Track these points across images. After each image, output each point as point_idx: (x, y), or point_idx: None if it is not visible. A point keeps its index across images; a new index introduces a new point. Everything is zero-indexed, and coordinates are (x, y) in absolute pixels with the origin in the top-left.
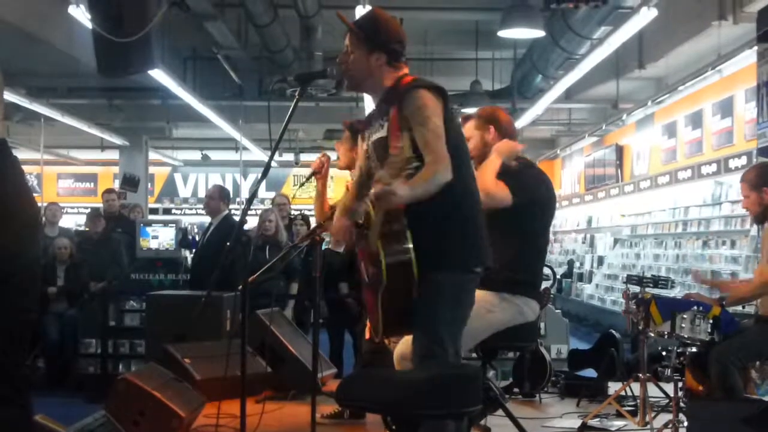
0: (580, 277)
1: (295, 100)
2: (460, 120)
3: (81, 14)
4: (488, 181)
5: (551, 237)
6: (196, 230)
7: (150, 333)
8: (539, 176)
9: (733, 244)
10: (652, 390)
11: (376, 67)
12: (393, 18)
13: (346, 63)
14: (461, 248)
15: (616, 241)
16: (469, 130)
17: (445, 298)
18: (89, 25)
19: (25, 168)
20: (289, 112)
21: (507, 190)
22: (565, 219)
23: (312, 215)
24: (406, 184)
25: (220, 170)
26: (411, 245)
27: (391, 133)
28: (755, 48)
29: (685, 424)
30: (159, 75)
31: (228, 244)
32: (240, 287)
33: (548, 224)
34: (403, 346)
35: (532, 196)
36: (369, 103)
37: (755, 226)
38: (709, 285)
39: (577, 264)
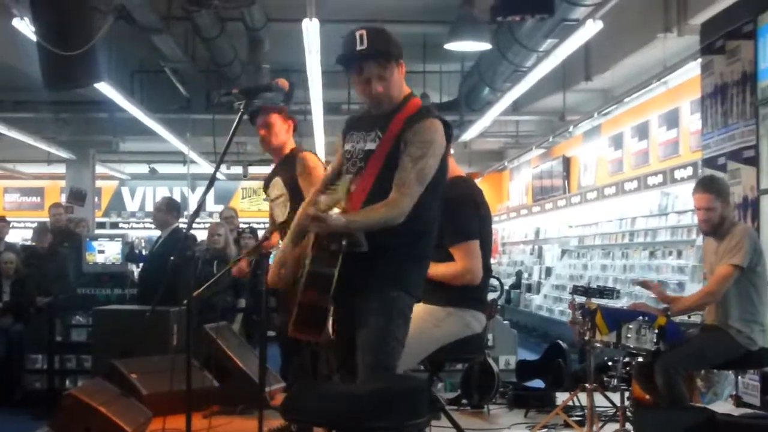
0: (529, 288)
1: (240, 114)
2: None
3: (25, 27)
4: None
5: (500, 248)
6: (143, 244)
7: (97, 348)
8: (471, 207)
9: (679, 254)
10: (600, 400)
11: (400, 79)
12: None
13: (382, 89)
14: (417, 275)
15: (563, 252)
16: None
17: (399, 314)
18: (34, 38)
19: None
20: (233, 126)
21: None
22: (513, 230)
23: (260, 228)
24: (348, 215)
25: (167, 184)
26: (336, 269)
27: (378, 151)
28: (699, 60)
29: None
30: (105, 88)
31: (172, 258)
32: (185, 302)
33: (489, 239)
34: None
35: (477, 231)
36: (317, 116)
37: (701, 237)
38: (655, 293)
39: (526, 275)
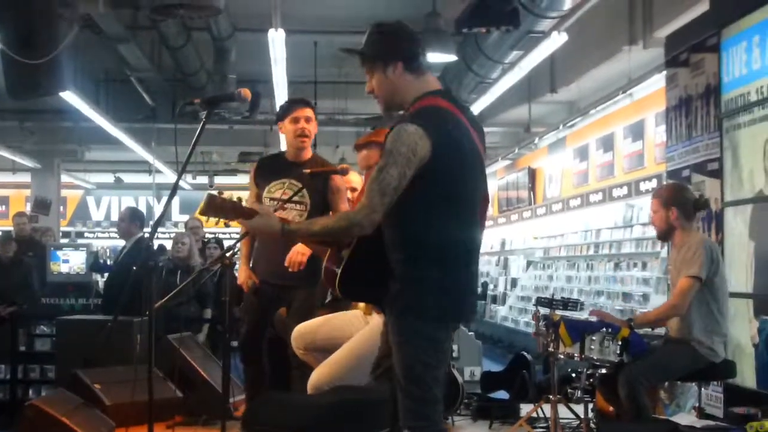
0: (494, 299)
1: (202, 123)
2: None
3: None
4: None
5: None
6: (108, 254)
7: (60, 358)
8: None
9: (644, 266)
10: (563, 411)
11: (397, 80)
12: (392, 24)
13: (373, 92)
14: (425, 297)
15: (529, 263)
16: (376, 157)
17: (421, 341)
18: None
19: None
20: (196, 135)
21: None
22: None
23: (225, 238)
24: (309, 222)
25: (133, 193)
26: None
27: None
28: (664, 72)
29: None
30: (70, 97)
31: (134, 267)
32: (147, 312)
33: None
34: (316, 376)
35: None
36: None
37: (665, 249)
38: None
39: (491, 286)
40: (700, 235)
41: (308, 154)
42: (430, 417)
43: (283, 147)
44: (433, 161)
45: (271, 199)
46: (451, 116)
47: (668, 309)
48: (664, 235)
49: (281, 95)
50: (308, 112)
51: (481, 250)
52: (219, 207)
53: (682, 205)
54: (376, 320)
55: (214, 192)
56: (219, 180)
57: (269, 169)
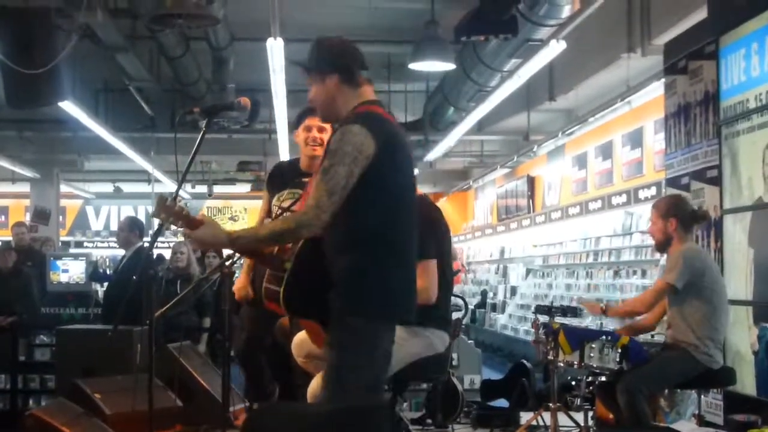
0: (494, 308)
1: (201, 132)
2: None
3: None
4: None
5: (465, 267)
6: (107, 263)
7: (60, 368)
8: (427, 226)
9: (643, 274)
10: (563, 419)
11: (333, 90)
12: (336, 39)
13: (309, 95)
14: (370, 289)
15: (528, 271)
16: None
17: (355, 342)
18: None
19: None
20: (196, 144)
21: (433, 287)
22: (478, 250)
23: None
24: (255, 228)
25: (132, 203)
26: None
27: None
28: (663, 80)
29: None
30: (69, 107)
31: (134, 277)
32: (148, 321)
33: (448, 257)
34: (316, 384)
35: (433, 252)
36: (282, 135)
37: (665, 256)
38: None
39: (491, 294)
40: (687, 245)
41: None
42: None
43: (285, 156)
44: (378, 160)
45: (279, 207)
46: (390, 123)
47: (636, 304)
48: (663, 246)
49: (280, 104)
50: (318, 120)
51: (481, 258)
52: (168, 209)
53: (681, 217)
54: None
55: (165, 195)
56: (218, 189)
57: (281, 177)
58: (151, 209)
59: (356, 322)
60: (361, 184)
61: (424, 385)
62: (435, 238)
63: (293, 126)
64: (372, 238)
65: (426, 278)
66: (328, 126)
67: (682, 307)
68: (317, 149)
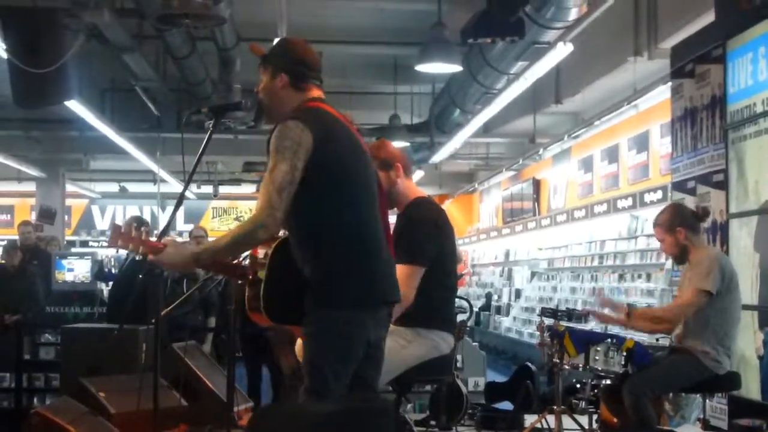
0: (498, 310)
1: (209, 132)
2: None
3: None
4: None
5: (470, 270)
6: (113, 263)
7: (65, 366)
8: (430, 230)
9: (648, 278)
10: (568, 422)
11: (280, 90)
12: (303, 43)
13: (257, 92)
14: (335, 281)
15: (533, 274)
16: None
17: (325, 332)
18: (4, 55)
19: None
20: (203, 144)
21: (408, 295)
22: (483, 252)
23: None
24: (201, 245)
25: (137, 202)
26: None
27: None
28: (669, 83)
29: None
30: (76, 106)
31: (140, 276)
32: (154, 320)
33: (452, 259)
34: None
35: (432, 255)
36: None
37: (670, 260)
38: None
39: (495, 297)
40: (714, 250)
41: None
42: None
43: None
44: (318, 151)
45: None
46: (329, 113)
47: (671, 314)
48: (680, 258)
49: None
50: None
51: (485, 261)
52: (124, 237)
53: (687, 223)
54: (393, 330)
55: (118, 222)
56: (223, 189)
57: None
58: (156, 209)
59: (324, 313)
60: (306, 180)
61: (429, 387)
62: (438, 242)
63: None
64: (327, 232)
65: (408, 284)
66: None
67: (703, 312)
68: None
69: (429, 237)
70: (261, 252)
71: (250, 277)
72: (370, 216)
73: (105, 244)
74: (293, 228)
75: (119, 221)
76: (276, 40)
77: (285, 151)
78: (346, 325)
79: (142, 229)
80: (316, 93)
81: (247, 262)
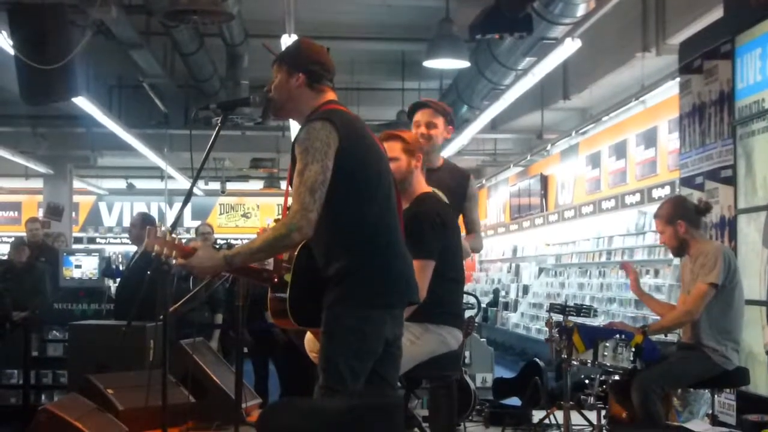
0: (506, 306)
1: (217, 128)
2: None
3: (3, 40)
4: None
5: (477, 266)
6: (120, 259)
7: (73, 363)
8: (435, 225)
9: (656, 273)
10: (576, 418)
11: (295, 89)
12: (317, 44)
13: (270, 89)
14: (359, 284)
15: (541, 270)
16: (395, 150)
17: (344, 330)
18: (12, 51)
19: None
20: (211, 140)
21: (422, 288)
22: (490, 248)
23: (236, 244)
24: (234, 249)
25: (145, 199)
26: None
27: (288, 176)
28: (678, 79)
29: None
30: (83, 103)
31: (149, 273)
32: (162, 317)
33: (457, 254)
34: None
35: (437, 252)
36: (296, 133)
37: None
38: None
39: (503, 293)
40: (716, 243)
41: (438, 160)
42: None
43: None
44: (344, 152)
45: None
46: (350, 116)
47: (683, 314)
48: (679, 251)
49: None
50: (427, 114)
51: (493, 257)
52: (160, 241)
53: (687, 216)
54: None
55: (153, 227)
56: (231, 186)
57: None
58: (164, 206)
59: (342, 311)
60: (332, 181)
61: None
62: (443, 237)
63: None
64: (350, 232)
65: (420, 279)
66: (438, 121)
67: (710, 307)
68: (425, 143)
69: (434, 231)
70: (285, 255)
71: (275, 280)
72: (390, 217)
73: (113, 240)
74: (317, 228)
75: (126, 218)
76: (285, 39)
77: (316, 152)
78: (363, 323)
79: (164, 229)
80: (332, 95)
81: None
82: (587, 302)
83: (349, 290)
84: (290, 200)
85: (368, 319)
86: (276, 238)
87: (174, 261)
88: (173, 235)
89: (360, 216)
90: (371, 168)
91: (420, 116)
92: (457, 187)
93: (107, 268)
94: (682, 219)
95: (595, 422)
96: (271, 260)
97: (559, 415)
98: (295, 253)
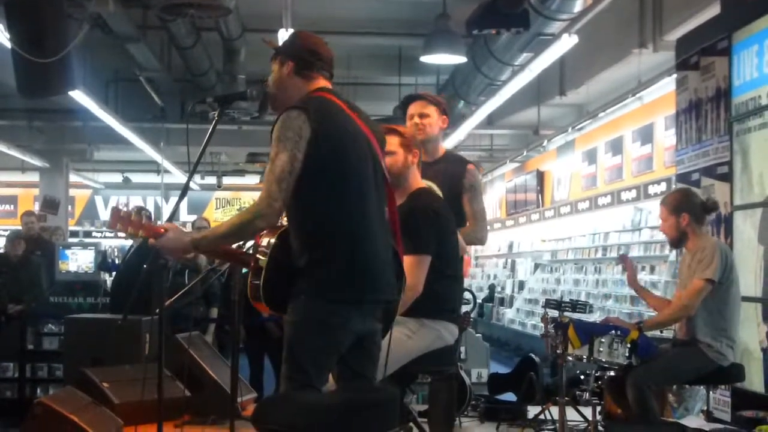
0: (501, 302)
1: (214, 122)
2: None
3: (0, 34)
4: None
5: (473, 261)
6: (116, 253)
7: (68, 357)
8: (430, 219)
9: (652, 270)
10: (571, 414)
11: (285, 77)
12: (315, 36)
13: (268, 83)
14: (326, 275)
15: (536, 266)
16: (392, 144)
17: (310, 320)
18: (8, 44)
19: None
20: (208, 134)
21: (419, 283)
22: (486, 244)
23: None
24: (201, 232)
25: (141, 193)
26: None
27: None
28: (674, 76)
29: None
30: (80, 96)
31: (145, 266)
32: (157, 311)
33: (453, 250)
34: None
35: (433, 247)
36: None
37: (674, 252)
38: (631, 279)
39: (498, 288)
40: (714, 239)
41: (439, 151)
42: None
43: None
44: (316, 141)
45: None
46: (333, 104)
47: (679, 310)
48: (677, 242)
49: None
50: (419, 106)
51: (489, 253)
52: (124, 221)
53: (692, 210)
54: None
55: (120, 206)
56: (227, 180)
57: None
58: (160, 200)
59: (309, 303)
60: (305, 171)
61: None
62: (437, 232)
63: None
64: (321, 225)
65: (415, 274)
66: (431, 110)
67: (705, 303)
68: (420, 134)
69: (430, 226)
70: (264, 241)
71: (252, 264)
72: (367, 211)
73: (108, 234)
74: (290, 218)
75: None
76: (282, 33)
77: (287, 141)
78: (329, 316)
79: (142, 213)
80: (323, 83)
81: (250, 250)
82: (583, 298)
83: (315, 282)
84: None
85: (333, 312)
86: (242, 223)
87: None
88: (141, 214)
89: (329, 209)
90: (346, 160)
91: (413, 108)
92: (453, 177)
93: (103, 262)
94: (686, 212)
95: (590, 418)
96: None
97: (555, 410)
98: (273, 239)
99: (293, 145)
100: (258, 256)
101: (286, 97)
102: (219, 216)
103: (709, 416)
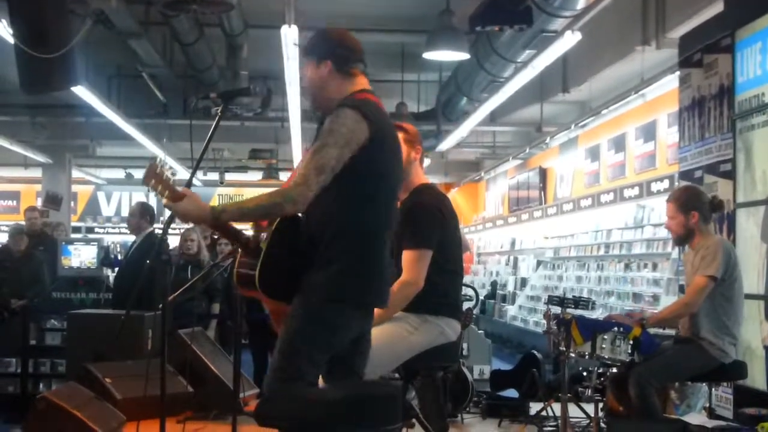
0: (504, 299)
1: (217, 118)
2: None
3: (3, 29)
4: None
5: (476, 258)
6: (118, 249)
7: (71, 352)
8: (434, 216)
9: (654, 267)
10: (573, 410)
11: (326, 77)
12: (339, 29)
13: (305, 83)
14: (335, 280)
15: (539, 263)
16: None
17: (318, 321)
18: (11, 40)
19: None
20: (211, 130)
21: (420, 279)
22: (488, 241)
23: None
24: (224, 205)
25: (143, 189)
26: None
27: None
28: (677, 73)
29: None
30: (82, 92)
31: (148, 262)
32: (160, 306)
33: (456, 246)
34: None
35: (435, 242)
36: (295, 123)
37: (677, 250)
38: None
39: (501, 285)
40: (718, 236)
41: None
42: None
43: (297, 145)
44: (369, 147)
45: None
46: (382, 110)
47: (681, 306)
48: (683, 240)
49: (293, 92)
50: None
51: (491, 249)
52: (158, 177)
53: (702, 209)
54: (400, 316)
55: (157, 163)
56: (230, 176)
57: None
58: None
59: (318, 301)
60: (347, 171)
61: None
62: (441, 228)
63: (306, 115)
64: (349, 226)
65: (416, 269)
66: None
67: (708, 301)
68: None
69: (432, 222)
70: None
71: (249, 245)
72: (389, 217)
73: (111, 230)
74: (315, 211)
75: (125, 208)
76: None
77: (339, 137)
78: (336, 316)
79: (170, 173)
80: (364, 81)
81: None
82: (585, 295)
83: (329, 282)
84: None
85: (341, 313)
86: (270, 204)
87: (163, 200)
88: (170, 175)
89: (362, 215)
90: (388, 170)
91: None
92: None
93: (106, 258)
94: (696, 210)
95: (592, 415)
96: None
97: (557, 407)
98: (274, 225)
99: (344, 144)
100: (259, 239)
101: (327, 95)
102: None
103: (712, 413)
